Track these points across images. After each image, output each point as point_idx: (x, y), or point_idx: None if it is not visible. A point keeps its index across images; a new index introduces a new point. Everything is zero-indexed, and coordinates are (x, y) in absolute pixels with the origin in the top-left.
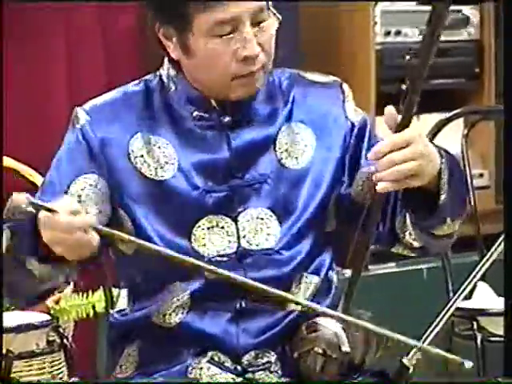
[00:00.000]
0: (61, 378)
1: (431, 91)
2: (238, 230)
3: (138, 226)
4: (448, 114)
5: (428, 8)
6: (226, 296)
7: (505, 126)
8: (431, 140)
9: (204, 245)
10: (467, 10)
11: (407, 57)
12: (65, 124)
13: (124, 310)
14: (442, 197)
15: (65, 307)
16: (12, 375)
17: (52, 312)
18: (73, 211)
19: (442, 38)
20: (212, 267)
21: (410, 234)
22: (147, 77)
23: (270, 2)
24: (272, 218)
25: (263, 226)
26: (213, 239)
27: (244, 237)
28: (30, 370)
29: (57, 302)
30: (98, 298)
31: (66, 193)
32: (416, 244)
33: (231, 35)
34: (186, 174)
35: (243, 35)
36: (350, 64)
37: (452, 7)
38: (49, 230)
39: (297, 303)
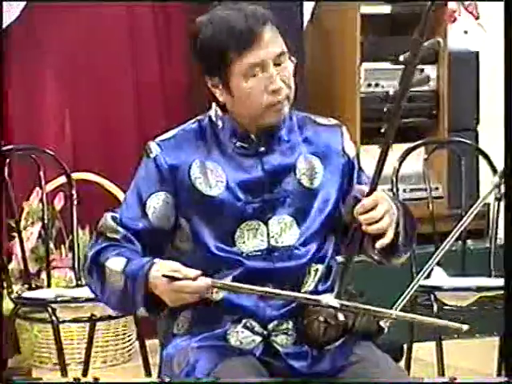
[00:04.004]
0: (130, 335)
1: (400, 127)
2: (268, 231)
3: (194, 229)
4: (413, 144)
5: (399, 67)
6: (258, 280)
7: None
8: (400, 164)
9: (243, 242)
10: (428, 68)
11: (385, 108)
12: (132, 145)
13: None
14: (400, 240)
15: None
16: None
17: None
18: (195, 276)
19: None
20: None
21: (374, 252)
22: (199, 117)
23: (286, 50)
24: (293, 223)
25: (286, 229)
26: (250, 238)
27: (272, 237)
28: (108, 331)
29: None
30: None
31: (144, 206)
32: (377, 259)
33: (260, 75)
34: (232, 189)
35: (269, 74)
36: (342, 107)
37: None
38: (175, 293)
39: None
